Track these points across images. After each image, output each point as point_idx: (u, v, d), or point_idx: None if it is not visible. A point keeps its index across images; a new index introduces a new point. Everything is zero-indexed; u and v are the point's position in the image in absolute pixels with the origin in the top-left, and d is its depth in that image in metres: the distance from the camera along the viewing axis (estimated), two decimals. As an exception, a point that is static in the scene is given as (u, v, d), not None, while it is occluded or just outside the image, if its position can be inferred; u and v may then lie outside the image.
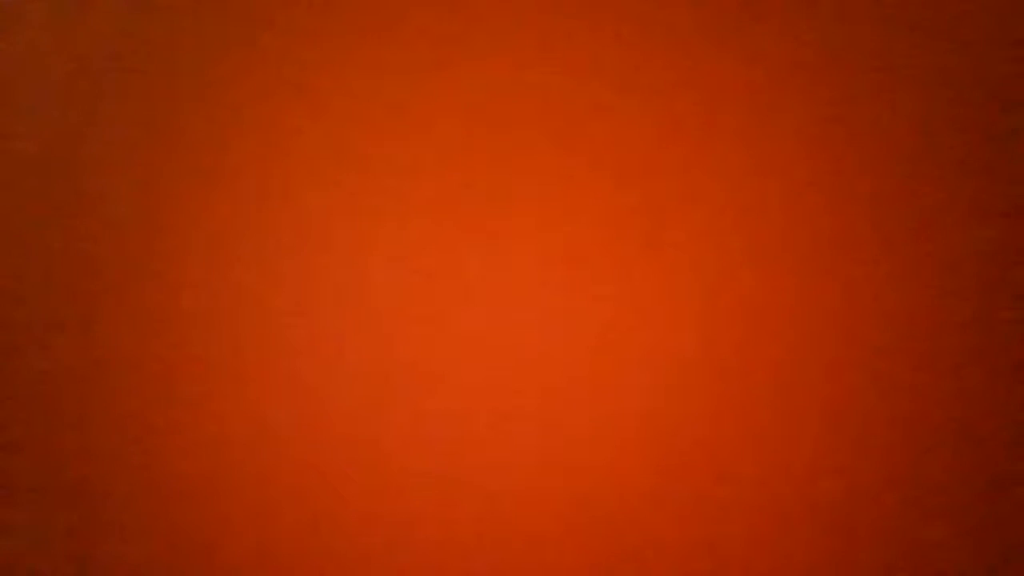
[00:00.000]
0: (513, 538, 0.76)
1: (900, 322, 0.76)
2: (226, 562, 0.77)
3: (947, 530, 0.76)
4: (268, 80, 0.78)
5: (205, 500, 0.77)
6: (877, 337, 0.76)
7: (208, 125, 0.78)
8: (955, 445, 0.76)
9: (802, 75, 0.77)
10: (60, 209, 0.78)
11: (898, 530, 0.76)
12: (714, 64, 0.77)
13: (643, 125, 0.77)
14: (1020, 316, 0.76)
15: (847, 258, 0.76)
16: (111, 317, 0.78)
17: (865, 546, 0.76)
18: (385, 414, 0.77)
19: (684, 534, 0.76)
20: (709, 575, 0.76)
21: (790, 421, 0.76)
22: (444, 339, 0.77)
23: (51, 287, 0.78)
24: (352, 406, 0.77)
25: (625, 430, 0.76)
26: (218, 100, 0.78)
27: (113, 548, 0.77)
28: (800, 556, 0.76)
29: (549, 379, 0.76)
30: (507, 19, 0.77)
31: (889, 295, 0.76)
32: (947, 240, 0.76)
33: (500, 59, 0.77)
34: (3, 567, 0.77)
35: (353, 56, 0.78)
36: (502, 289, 0.77)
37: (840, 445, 0.76)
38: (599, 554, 0.76)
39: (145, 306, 0.78)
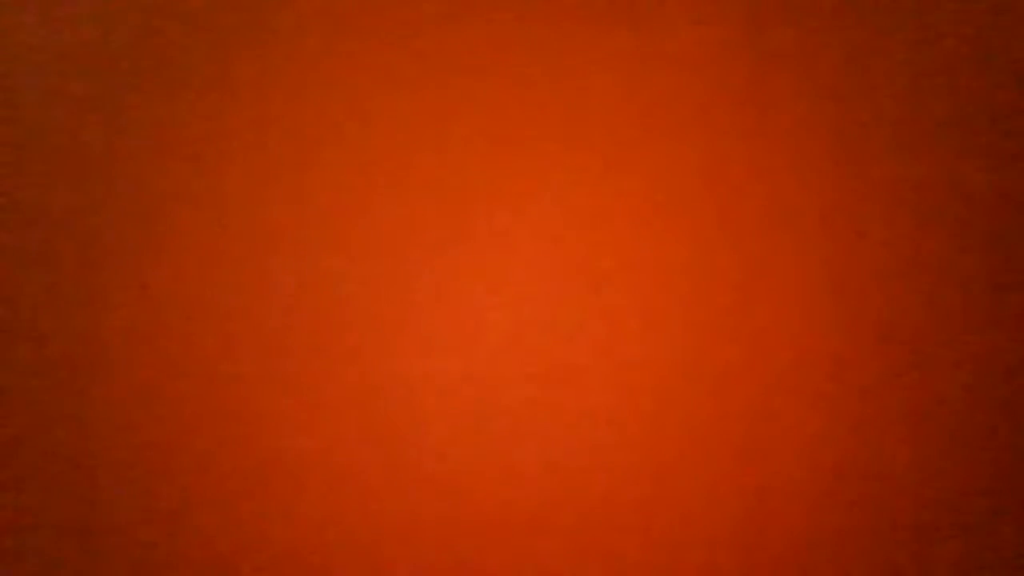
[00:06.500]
0: (509, 536, 0.76)
1: (897, 321, 0.76)
2: (227, 563, 0.77)
3: (946, 531, 0.76)
4: (269, 80, 0.78)
5: (205, 501, 0.77)
6: (875, 337, 0.76)
7: (208, 126, 0.78)
8: (954, 446, 0.76)
9: (799, 73, 0.77)
10: (61, 209, 0.79)
11: (896, 530, 0.76)
12: (710, 68, 0.77)
13: (642, 127, 0.77)
14: (1021, 315, 0.76)
15: (846, 259, 0.76)
16: (113, 317, 0.78)
17: (863, 546, 0.76)
18: (383, 413, 0.77)
19: (681, 534, 0.76)
20: (706, 574, 0.76)
21: (788, 422, 0.76)
22: (439, 340, 0.77)
23: (52, 288, 0.78)
24: (351, 407, 0.77)
25: (621, 430, 0.76)
26: (218, 101, 0.78)
27: (114, 552, 0.77)
28: (798, 556, 0.76)
29: (546, 378, 0.76)
30: (507, 22, 0.77)
31: (888, 295, 0.76)
32: (945, 237, 0.76)
33: (500, 60, 0.77)
34: (4, 567, 0.77)
35: (356, 57, 0.78)
36: (497, 291, 0.77)
37: (838, 446, 0.76)
38: (596, 554, 0.76)
39: (148, 307, 0.78)
